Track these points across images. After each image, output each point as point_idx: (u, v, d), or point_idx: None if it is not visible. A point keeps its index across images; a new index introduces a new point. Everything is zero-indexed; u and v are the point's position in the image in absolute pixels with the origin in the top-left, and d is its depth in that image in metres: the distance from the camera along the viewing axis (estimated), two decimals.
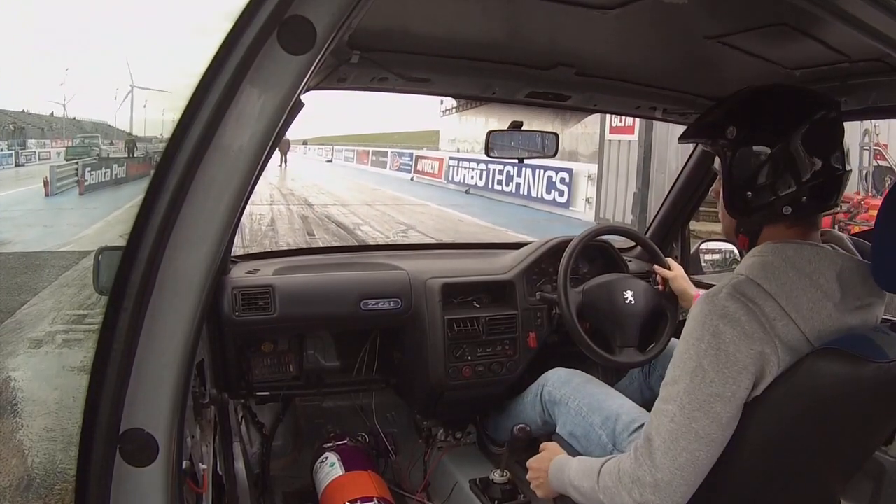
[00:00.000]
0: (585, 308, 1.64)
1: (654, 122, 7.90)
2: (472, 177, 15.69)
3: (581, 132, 14.60)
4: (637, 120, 9.11)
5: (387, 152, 24.26)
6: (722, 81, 1.56)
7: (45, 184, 14.18)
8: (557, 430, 1.44)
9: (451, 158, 17.56)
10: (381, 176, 21.06)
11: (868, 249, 0.94)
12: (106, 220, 10.13)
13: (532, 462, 1.24)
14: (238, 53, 0.66)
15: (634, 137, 10.06)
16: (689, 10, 1.02)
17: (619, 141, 10.56)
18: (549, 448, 1.24)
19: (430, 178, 18.28)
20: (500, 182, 14.26)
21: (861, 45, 1.08)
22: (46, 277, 6.13)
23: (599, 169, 11.03)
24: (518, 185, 13.38)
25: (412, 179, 19.29)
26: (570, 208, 11.52)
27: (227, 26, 0.67)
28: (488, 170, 14.77)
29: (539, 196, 12.53)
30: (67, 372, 3.81)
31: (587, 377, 1.49)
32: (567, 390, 1.45)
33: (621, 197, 10.41)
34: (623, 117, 9.34)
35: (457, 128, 26.11)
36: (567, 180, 11.77)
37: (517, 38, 1.40)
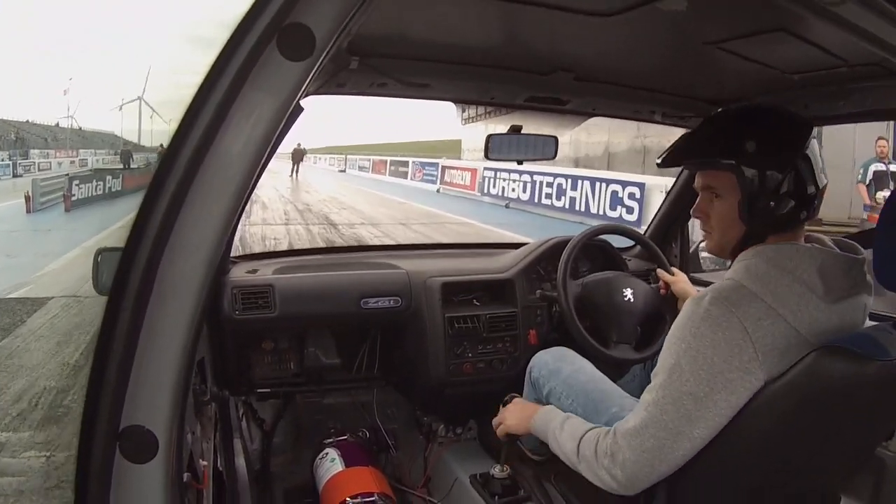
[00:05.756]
0: (584, 302, 1.65)
1: None
2: (514, 189, 13.78)
3: (650, 142, 12.69)
4: None
5: (407, 162, 23.02)
6: (721, 85, 1.57)
7: (27, 199, 12.19)
8: None
9: (486, 169, 15.63)
10: (402, 187, 19.58)
11: (847, 246, 1.02)
12: (83, 246, 7.70)
13: (517, 401, 1.35)
14: (238, 60, 0.66)
15: None
16: (688, 16, 1.02)
17: None
18: (527, 403, 1.34)
19: (461, 190, 16.50)
20: (548, 196, 12.39)
21: (858, 49, 1.08)
22: None
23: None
24: (572, 199, 11.60)
25: (438, 191, 17.89)
26: (643, 227, 9.66)
27: (227, 34, 0.67)
28: (533, 182, 12.88)
29: (600, 213, 10.70)
30: None
31: (575, 364, 1.44)
32: (556, 384, 1.41)
33: None
34: None
35: (481, 137, 24.40)
36: (638, 196, 10.04)
37: (516, 44, 1.40)
